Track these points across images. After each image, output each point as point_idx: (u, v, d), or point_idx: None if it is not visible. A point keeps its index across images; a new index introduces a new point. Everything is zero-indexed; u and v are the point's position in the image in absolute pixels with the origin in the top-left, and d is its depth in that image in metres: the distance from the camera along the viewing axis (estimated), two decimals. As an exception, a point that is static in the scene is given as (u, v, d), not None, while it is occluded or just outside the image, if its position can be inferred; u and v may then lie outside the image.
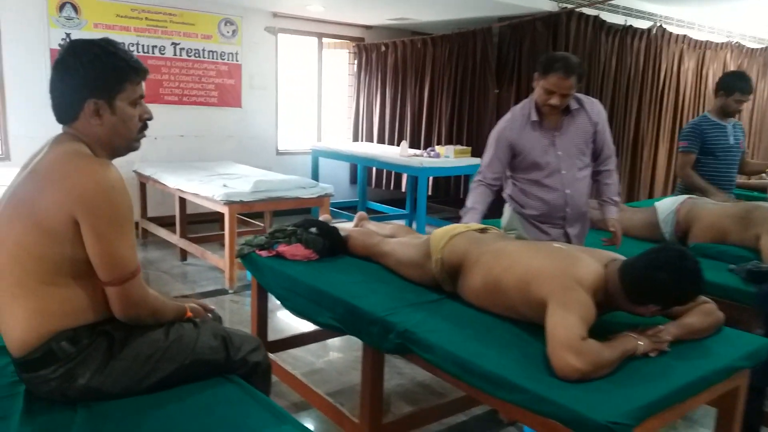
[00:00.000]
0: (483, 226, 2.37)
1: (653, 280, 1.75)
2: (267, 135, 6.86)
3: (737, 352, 1.84)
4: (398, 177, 6.99)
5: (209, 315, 1.79)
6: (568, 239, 2.76)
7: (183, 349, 1.61)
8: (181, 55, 6.06)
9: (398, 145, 6.93)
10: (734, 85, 3.61)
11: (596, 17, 5.80)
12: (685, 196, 3.36)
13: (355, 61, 7.55)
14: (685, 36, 6.76)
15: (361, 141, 7.52)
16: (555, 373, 1.61)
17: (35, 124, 5.02)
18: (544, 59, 2.58)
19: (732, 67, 7.40)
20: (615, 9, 6.17)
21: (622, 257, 1.96)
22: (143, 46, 5.82)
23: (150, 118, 1.63)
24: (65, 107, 1.54)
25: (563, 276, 1.83)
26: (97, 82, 1.50)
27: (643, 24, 6.40)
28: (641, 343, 1.75)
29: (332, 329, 2.25)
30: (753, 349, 1.88)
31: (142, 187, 5.53)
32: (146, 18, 5.80)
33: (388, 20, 6.95)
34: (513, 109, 2.80)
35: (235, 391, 1.63)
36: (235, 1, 6.06)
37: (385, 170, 6.99)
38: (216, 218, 5.83)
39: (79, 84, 1.50)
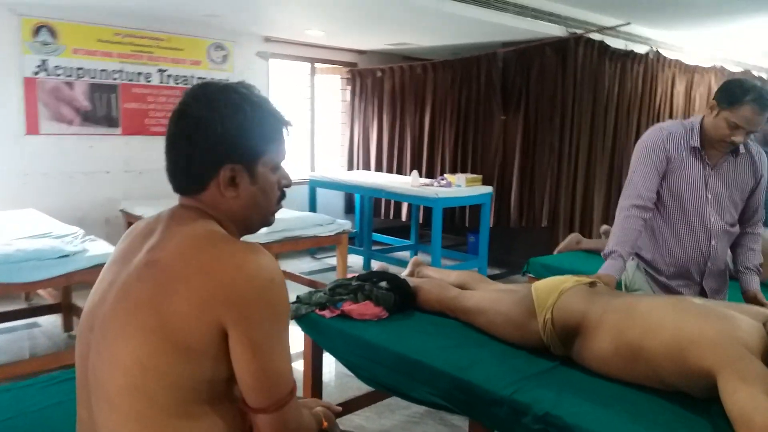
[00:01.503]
0: (591, 278, 2.08)
1: None
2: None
3: None
4: (398, 206, 6.70)
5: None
6: (704, 296, 2.36)
7: None
8: (168, 83, 5.65)
9: (398, 173, 6.70)
10: None
11: (601, 42, 5.71)
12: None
13: (349, 87, 7.29)
14: (677, 60, 6.77)
15: (357, 170, 7.22)
16: (760, 468, 1.34)
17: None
18: (729, 87, 2.17)
19: (715, 90, 7.47)
20: (617, 34, 6.09)
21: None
22: (127, 73, 5.40)
23: (289, 185, 1.27)
24: (192, 174, 1.17)
25: (729, 342, 1.57)
26: (241, 144, 1.15)
27: (641, 49, 6.36)
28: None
29: (431, 405, 1.92)
30: None
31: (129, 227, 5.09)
32: (131, 43, 5.39)
33: (386, 45, 6.73)
34: (671, 122, 2.40)
35: None
36: (227, 24, 5.73)
37: (383, 199, 6.69)
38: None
39: (215, 145, 1.14)
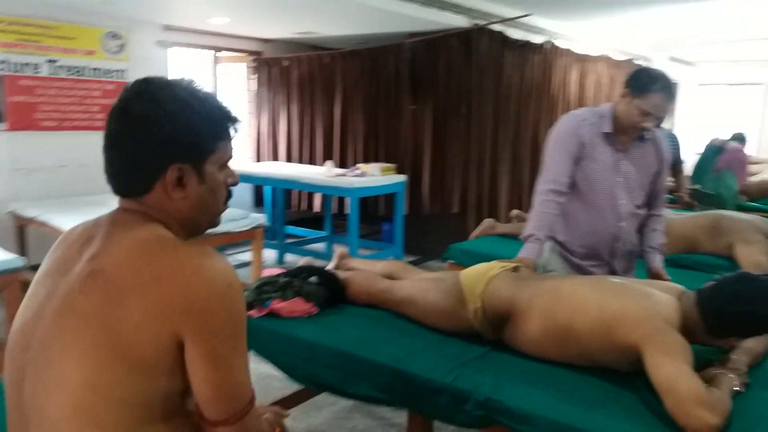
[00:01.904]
0: (515, 263, 2.15)
1: (742, 315, 1.67)
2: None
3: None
4: (310, 197, 6.64)
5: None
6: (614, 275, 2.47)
7: None
8: (59, 74, 5.25)
9: (309, 164, 6.62)
10: None
11: (501, 33, 5.91)
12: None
13: (255, 76, 7.10)
14: (569, 50, 7.13)
15: (265, 161, 7.07)
16: (686, 430, 1.46)
17: None
18: (639, 76, 2.30)
19: (605, 78, 7.96)
20: (516, 25, 6.32)
21: (686, 289, 1.87)
22: (13, 64, 4.96)
23: (236, 183, 1.21)
24: (136, 175, 1.09)
25: (652, 317, 1.69)
26: (185, 142, 1.08)
27: (538, 39, 6.64)
28: (734, 379, 1.66)
29: (370, 401, 1.93)
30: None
31: (21, 231, 4.69)
32: (16, 31, 4.95)
33: (292, 34, 6.60)
34: (583, 109, 2.49)
35: None
36: (122, 12, 5.40)
37: (295, 191, 6.60)
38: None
39: (162, 144, 1.07)
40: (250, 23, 6.13)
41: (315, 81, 6.67)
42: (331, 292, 2.33)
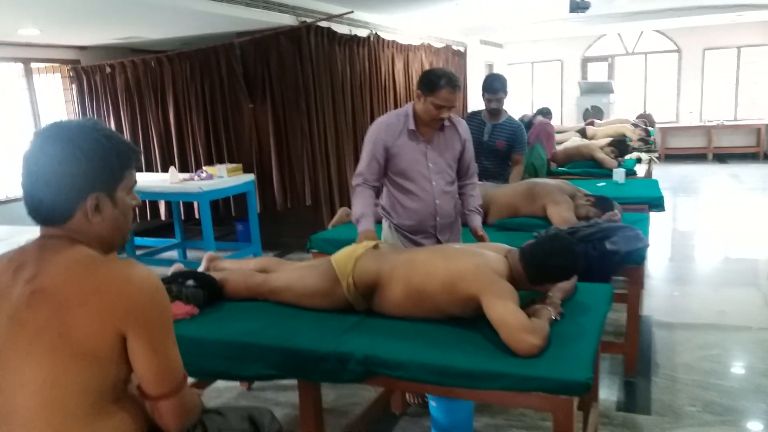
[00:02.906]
0: (376, 242, 2.49)
1: (553, 266, 2.15)
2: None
3: (602, 299, 2.36)
4: (154, 205, 6.52)
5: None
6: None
7: None
8: None
9: (147, 171, 6.48)
10: (486, 85, 4.25)
11: (328, 29, 6.22)
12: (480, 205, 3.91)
13: (73, 86, 6.75)
14: (394, 41, 7.65)
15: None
16: (517, 353, 1.88)
17: None
18: (426, 77, 2.70)
19: (427, 65, 8.62)
20: (341, 21, 6.66)
21: (511, 247, 2.32)
22: None
23: (139, 204, 1.42)
24: (57, 205, 1.27)
25: (485, 271, 2.10)
26: (100, 173, 1.28)
27: (363, 32, 7.05)
28: (551, 311, 2.13)
29: (263, 379, 2.16)
30: (605, 292, 2.45)
31: None
32: None
33: (111, 40, 6.37)
34: (389, 114, 2.86)
35: None
36: None
37: (145, 201, 6.44)
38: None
39: (79, 177, 1.26)
40: (64, 32, 5.83)
41: (143, 86, 6.53)
42: (209, 292, 2.49)
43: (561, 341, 1.97)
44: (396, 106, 7.73)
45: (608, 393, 3.11)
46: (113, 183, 1.31)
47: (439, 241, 2.94)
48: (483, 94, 4.27)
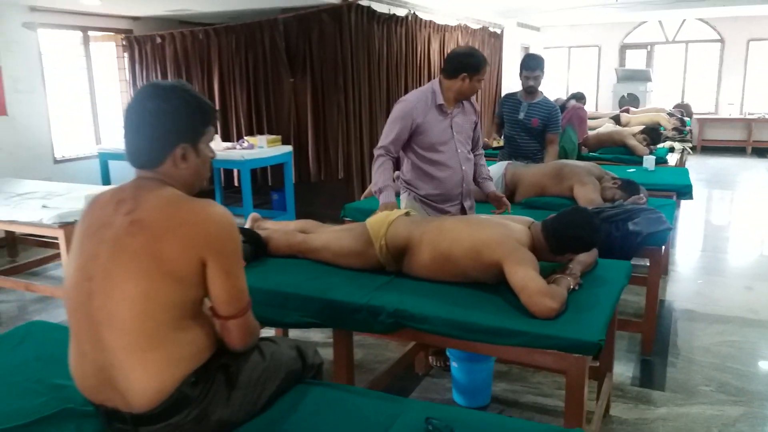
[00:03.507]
0: (405, 210, 2.69)
1: (574, 237, 2.31)
2: (41, 143, 6.10)
3: (620, 274, 2.51)
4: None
5: None
6: (464, 213, 3.17)
7: (278, 366, 1.68)
8: None
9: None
10: (523, 63, 4.34)
11: (368, 8, 6.36)
12: (506, 162, 4.09)
13: (126, 54, 7.05)
14: (431, 21, 7.75)
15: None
16: (536, 316, 2.05)
17: None
18: (469, 59, 2.95)
19: (462, 45, 8.70)
20: (381, 0, 6.79)
21: (534, 220, 2.49)
22: None
23: (215, 157, 1.64)
24: (152, 153, 1.51)
25: (508, 240, 2.28)
26: (187, 127, 1.51)
27: (401, 12, 7.17)
28: (570, 280, 2.29)
29: (302, 326, 2.38)
30: (623, 268, 2.59)
31: None
32: None
33: (163, 11, 6.63)
34: (415, 93, 3.07)
35: (328, 391, 1.77)
36: (-18, -7, 5.24)
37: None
38: (1, 244, 5.12)
39: (171, 130, 1.49)
40: (121, 2, 6.12)
41: (190, 57, 6.78)
42: (255, 248, 2.72)
43: (577, 307, 2.13)
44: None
45: (624, 369, 3.26)
46: (197, 136, 1.54)
47: (463, 207, 3.17)
48: (521, 72, 4.37)
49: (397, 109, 3.05)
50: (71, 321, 1.52)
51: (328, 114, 6.26)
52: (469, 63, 2.97)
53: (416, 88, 7.34)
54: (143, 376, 1.42)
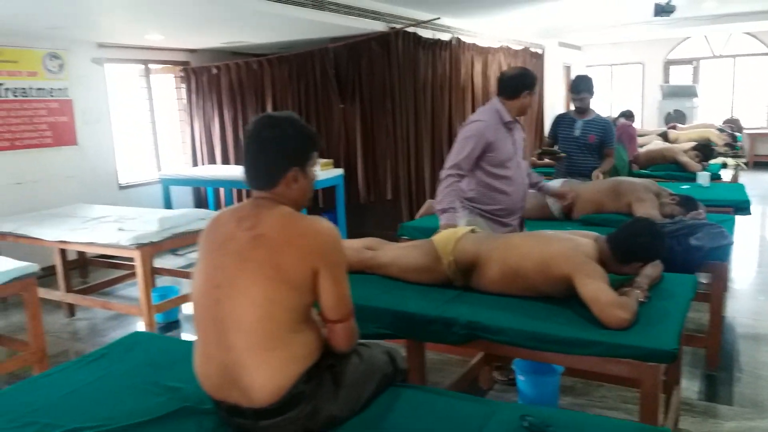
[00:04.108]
0: (471, 227, 2.79)
1: (639, 244, 2.38)
2: (107, 170, 6.45)
3: (687, 287, 2.55)
4: (249, 195, 7.01)
5: None
6: (521, 228, 3.29)
7: (374, 369, 1.82)
8: (7, 96, 5.42)
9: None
10: (577, 86, 4.45)
11: (414, 34, 6.55)
12: (562, 179, 4.15)
13: (183, 85, 7.38)
14: (474, 44, 7.89)
15: (202, 165, 7.39)
16: (608, 327, 2.11)
17: None
18: (526, 78, 3.16)
19: (505, 67, 8.79)
20: (426, 26, 6.97)
21: (598, 234, 2.56)
22: (-39, 89, 5.10)
23: (317, 179, 1.79)
24: (269, 175, 1.69)
25: (577, 255, 2.35)
26: (298, 153, 1.70)
27: (445, 36, 7.34)
28: (639, 293, 2.35)
29: (377, 338, 2.48)
30: (690, 281, 2.64)
31: (-8, 245, 4.85)
32: (-38, 58, 5.09)
33: (218, 44, 6.95)
34: (483, 113, 3.19)
35: (419, 393, 1.88)
36: (59, 33, 5.59)
37: (234, 190, 6.97)
38: (74, 266, 5.39)
39: (285, 155, 1.68)
40: (181, 37, 6.44)
41: (245, 86, 7.06)
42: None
43: (648, 319, 2.19)
44: (473, 106, 7.96)
45: (690, 384, 3.25)
46: (306, 161, 1.73)
47: (522, 221, 3.34)
48: (570, 94, 4.51)
49: (470, 128, 3.16)
50: (199, 325, 1.70)
51: (377, 137, 6.43)
52: (527, 81, 3.17)
53: (459, 108, 7.56)
54: (265, 373, 1.58)
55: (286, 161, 1.68)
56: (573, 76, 12.29)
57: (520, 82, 3.16)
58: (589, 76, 4.60)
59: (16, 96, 5.49)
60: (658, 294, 2.44)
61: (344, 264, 1.70)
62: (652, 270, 2.55)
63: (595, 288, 2.21)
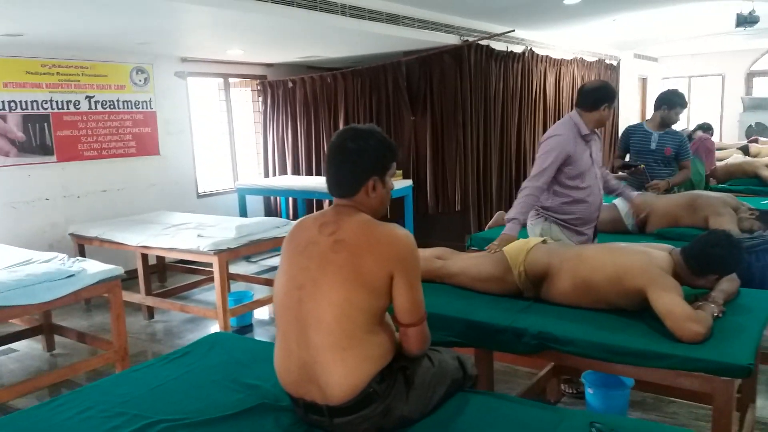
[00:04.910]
0: (542, 238, 2.82)
1: (714, 256, 2.35)
2: (187, 179, 6.79)
3: (764, 303, 2.49)
4: (321, 205, 7.22)
5: None
6: (595, 234, 3.37)
7: (444, 373, 1.88)
8: (96, 108, 5.83)
9: (319, 176, 7.20)
10: (676, 100, 4.41)
11: (487, 46, 6.59)
12: (635, 193, 4.09)
13: (260, 98, 7.69)
14: (547, 56, 7.84)
15: (274, 176, 7.66)
16: (682, 340, 2.10)
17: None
18: (605, 91, 3.23)
19: (579, 79, 8.69)
20: (499, 39, 7.01)
21: (673, 247, 2.53)
22: (57, 102, 5.52)
23: (393, 188, 1.90)
24: (351, 184, 1.78)
25: (651, 267, 2.34)
26: (378, 163, 1.78)
27: (518, 49, 7.34)
28: (714, 307, 2.31)
29: (447, 345, 2.53)
30: (767, 297, 2.56)
31: (81, 249, 5.19)
32: (58, 73, 5.52)
33: (294, 58, 7.21)
34: (560, 127, 3.26)
35: (488, 399, 1.94)
36: (146, 48, 5.97)
37: (298, 200, 7.16)
38: (153, 271, 5.69)
39: (366, 165, 1.77)
40: (260, 52, 6.73)
41: (318, 99, 7.28)
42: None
43: (722, 334, 2.16)
44: (545, 118, 7.92)
45: (766, 404, 3.15)
46: (385, 171, 1.81)
47: (596, 229, 3.39)
48: (671, 107, 4.41)
49: (549, 142, 3.22)
50: (281, 323, 1.80)
51: (447, 149, 6.49)
52: (607, 94, 3.23)
53: (530, 121, 7.53)
54: (342, 371, 1.66)
55: (366, 171, 1.76)
56: (649, 88, 12.13)
57: (600, 95, 3.21)
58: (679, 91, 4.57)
59: (104, 108, 5.89)
60: (734, 309, 2.40)
61: (419, 270, 1.76)
62: (728, 285, 2.50)
63: (670, 301, 2.20)
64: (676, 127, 4.66)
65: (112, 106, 5.95)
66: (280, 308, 1.80)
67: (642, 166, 4.40)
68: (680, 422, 2.99)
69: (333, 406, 1.69)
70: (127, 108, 6.09)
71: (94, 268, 3.50)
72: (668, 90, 4.57)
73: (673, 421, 3.01)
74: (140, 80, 6.20)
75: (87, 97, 5.75)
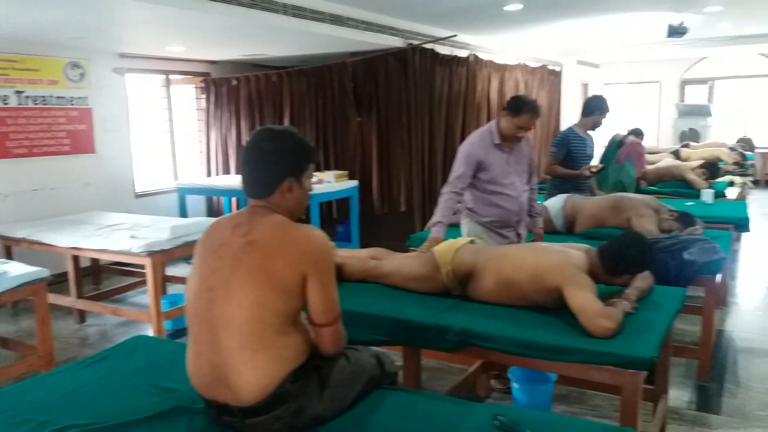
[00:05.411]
0: (470, 238, 2.90)
1: (627, 256, 2.48)
2: (124, 178, 6.64)
3: (674, 300, 2.63)
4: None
5: None
6: (519, 239, 3.42)
7: (361, 371, 1.91)
8: (27, 104, 5.63)
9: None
10: (606, 106, 4.59)
11: (432, 50, 6.68)
12: (566, 195, 4.24)
13: (203, 96, 7.59)
14: (491, 61, 8.00)
15: (216, 175, 7.57)
16: (593, 335, 2.21)
17: None
18: (514, 101, 3.29)
19: (522, 83, 8.89)
20: (444, 43, 7.11)
21: (591, 247, 2.65)
22: (-16, 96, 5.33)
23: (312, 189, 1.91)
24: (265, 185, 1.79)
25: (567, 266, 2.45)
26: (294, 165, 1.79)
27: (463, 53, 7.46)
28: (626, 304, 2.44)
29: (375, 344, 2.59)
30: (677, 294, 2.72)
31: (7, 251, 4.98)
32: (-15, 66, 5.33)
33: (238, 56, 7.14)
34: (477, 134, 3.41)
35: (404, 395, 1.98)
36: (82, 43, 5.81)
37: (241, 200, 7.10)
38: (87, 273, 5.56)
39: (281, 166, 1.78)
40: (202, 49, 6.65)
41: (264, 98, 7.23)
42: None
43: (632, 329, 2.28)
44: (488, 121, 8.04)
45: (681, 394, 3.34)
46: (301, 172, 1.82)
47: (518, 234, 3.48)
48: (600, 112, 4.61)
49: (462, 148, 3.38)
50: (192, 325, 1.80)
51: (392, 150, 6.56)
52: (511, 102, 3.30)
53: (474, 124, 7.67)
54: (252, 372, 1.67)
55: (282, 171, 1.76)
56: (590, 93, 12.51)
57: (509, 102, 3.32)
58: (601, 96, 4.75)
59: (36, 104, 5.69)
60: (645, 305, 2.53)
61: (332, 270, 1.77)
62: (641, 282, 2.63)
63: (583, 298, 2.31)
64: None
65: (44, 102, 5.76)
66: (191, 310, 1.79)
67: (601, 166, 4.65)
68: (601, 414, 3.13)
69: (244, 407, 1.70)
70: (61, 104, 5.91)
71: (17, 270, 3.38)
72: (596, 96, 4.75)
73: (595, 413, 3.14)
74: (75, 76, 6.03)
75: (17, 92, 5.55)
